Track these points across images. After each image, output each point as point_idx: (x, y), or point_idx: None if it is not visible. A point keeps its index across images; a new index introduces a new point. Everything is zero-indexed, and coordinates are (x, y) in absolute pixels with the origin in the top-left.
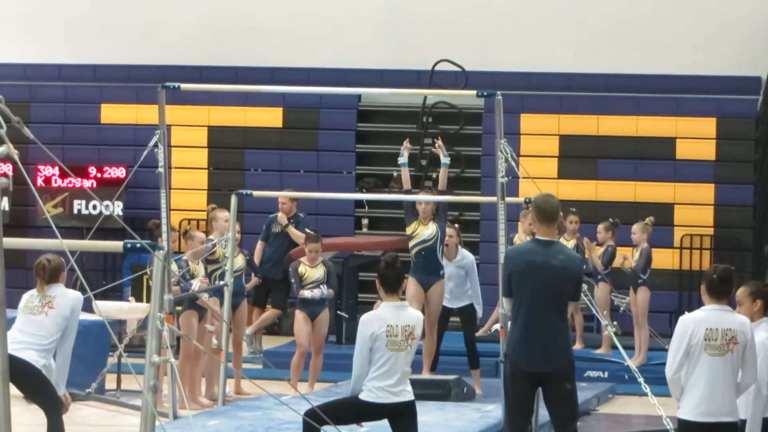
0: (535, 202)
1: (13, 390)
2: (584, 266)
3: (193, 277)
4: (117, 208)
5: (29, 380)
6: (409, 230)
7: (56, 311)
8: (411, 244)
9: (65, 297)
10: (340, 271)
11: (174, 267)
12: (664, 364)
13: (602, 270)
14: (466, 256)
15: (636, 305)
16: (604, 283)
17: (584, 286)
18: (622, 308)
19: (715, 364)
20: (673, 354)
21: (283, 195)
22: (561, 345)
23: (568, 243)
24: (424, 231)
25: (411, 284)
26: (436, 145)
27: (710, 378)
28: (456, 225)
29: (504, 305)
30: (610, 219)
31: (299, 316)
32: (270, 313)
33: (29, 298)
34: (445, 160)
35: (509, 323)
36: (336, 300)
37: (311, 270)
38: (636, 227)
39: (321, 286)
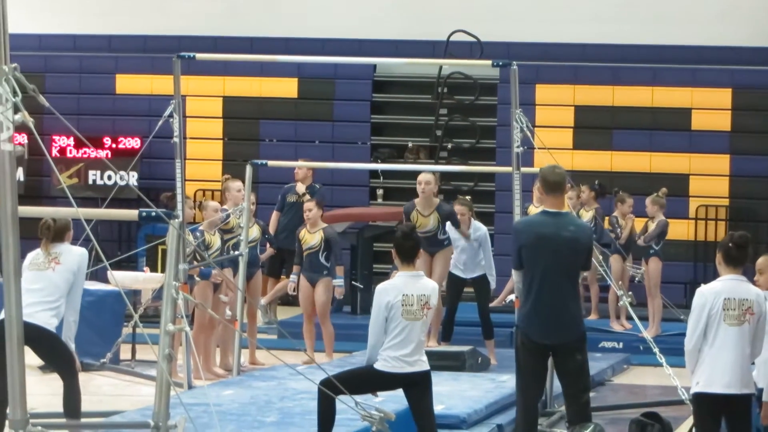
0: (541, 174)
1: (29, 360)
2: (594, 236)
3: (208, 247)
4: (132, 178)
5: (44, 344)
6: (412, 218)
7: (63, 267)
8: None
9: (71, 253)
10: (354, 241)
11: (189, 237)
12: (678, 334)
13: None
14: (479, 228)
15: (648, 276)
16: (618, 255)
17: (599, 257)
18: (636, 279)
19: (733, 335)
20: (693, 326)
21: (298, 165)
22: (572, 316)
23: (587, 214)
24: (426, 223)
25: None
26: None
27: (730, 348)
28: (468, 197)
29: (513, 277)
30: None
31: (301, 282)
32: (284, 283)
33: (34, 256)
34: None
35: (520, 295)
36: (351, 270)
37: (309, 236)
38: (648, 200)
39: (320, 254)
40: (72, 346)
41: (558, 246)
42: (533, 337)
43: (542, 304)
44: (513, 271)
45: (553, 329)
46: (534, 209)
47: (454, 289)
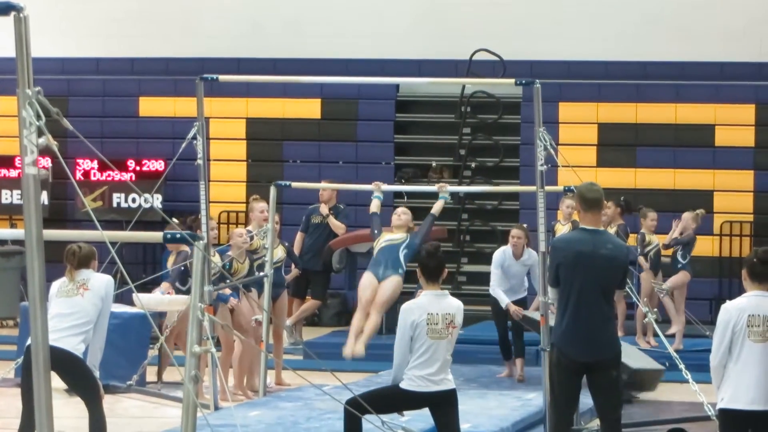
0: (578, 191)
1: (55, 383)
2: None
3: (234, 273)
4: (156, 200)
5: (70, 370)
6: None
7: (92, 292)
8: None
9: (98, 279)
10: None
11: (216, 258)
12: (703, 350)
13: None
14: (531, 255)
15: (673, 284)
16: (646, 272)
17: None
18: (662, 295)
19: (758, 351)
20: (718, 343)
21: (322, 186)
22: (609, 334)
23: (611, 230)
24: (394, 236)
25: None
26: (437, 186)
27: (755, 365)
28: (524, 225)
29: (549, 295)
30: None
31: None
32: (310, 304)
33: (61, 284)
34: (444, 195)
35: (556, 313)
36: None
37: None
38: (689, 216)
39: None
40: (97, 372)
41: (595, 264)
42: (570, 354)
43: (579, 321)
44: (549, 288)
45: (591, 347)
46: (561, 227)
47: (499, 312)
